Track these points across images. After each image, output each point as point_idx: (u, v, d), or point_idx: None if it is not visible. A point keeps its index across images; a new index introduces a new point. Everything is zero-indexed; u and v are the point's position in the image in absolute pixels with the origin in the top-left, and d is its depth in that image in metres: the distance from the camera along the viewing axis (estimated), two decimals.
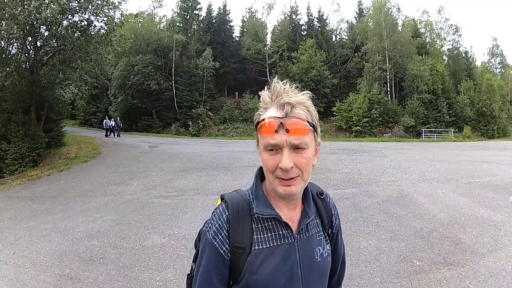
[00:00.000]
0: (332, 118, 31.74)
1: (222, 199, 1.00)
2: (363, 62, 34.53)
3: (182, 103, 32.72)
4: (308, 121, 0.86)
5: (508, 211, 6.29)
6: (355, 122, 29.69)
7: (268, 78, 38.15)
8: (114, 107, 32.96)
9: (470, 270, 3.99)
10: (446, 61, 40.00)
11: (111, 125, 25.48)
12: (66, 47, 13.52)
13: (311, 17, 42.51)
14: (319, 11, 42.64)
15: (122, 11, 16.06)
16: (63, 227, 5.60)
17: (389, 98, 33.86)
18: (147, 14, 38.23)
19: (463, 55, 43.33)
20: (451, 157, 13.86)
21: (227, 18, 43.92)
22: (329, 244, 1.05)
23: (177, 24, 36.45)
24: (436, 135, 29.76)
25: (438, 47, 42.28)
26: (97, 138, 20.41)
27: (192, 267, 1.02)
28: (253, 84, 39.17)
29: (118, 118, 26.86)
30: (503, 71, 51.00)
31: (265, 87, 0.94)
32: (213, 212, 0.99)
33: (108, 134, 24.88)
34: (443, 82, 32.76)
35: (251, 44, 37.46)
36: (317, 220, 1.03)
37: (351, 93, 31.88)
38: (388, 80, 34.17)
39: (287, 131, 0.83)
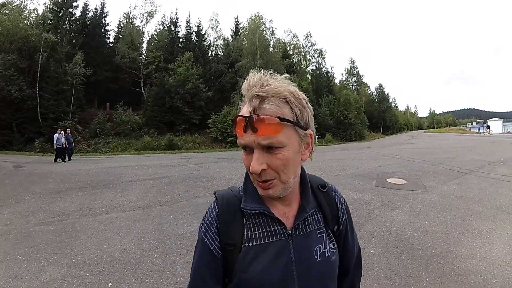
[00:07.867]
0: (207, 130, 31.90)
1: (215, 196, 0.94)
2: (237, 78, 36.10)
3: (47, 114, 27.25)
4: (278, 117, 0.72)
5: (373, 192, 7.59)
6: (230, 133, 30.56)
7: (143, 89, 36.21)
8: None
9: None
10: (310, 79, 46.19)
11: (63, 143, 17.36)
12: None
13: (190, 31, 42.58)
14: (198, 26, 43.13)
15: None
16: None
17: None
18: (15, 5, 30.67)
19: (325, 75, 50.75)
20: (318, 158, 15.80)
21: (104, 21, 40.01)
22: (333, 243, 0.92)
23: (48, 21, 30.76)
24: None
25: (304, 67, 49.03)
26: None
27: None
28: (126, 95, 36.47)
29: (68, 130, 18.69)
30: (358, 88, 64.45)
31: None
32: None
33: (63, 158, 17.09)
34: (307, 97, 36.92)
35: (126, 52, 35.03)
36: (318, 216, 0.92)
37: (225, 106, 32.68)
38: None
39: (255, 130, 0.72)
